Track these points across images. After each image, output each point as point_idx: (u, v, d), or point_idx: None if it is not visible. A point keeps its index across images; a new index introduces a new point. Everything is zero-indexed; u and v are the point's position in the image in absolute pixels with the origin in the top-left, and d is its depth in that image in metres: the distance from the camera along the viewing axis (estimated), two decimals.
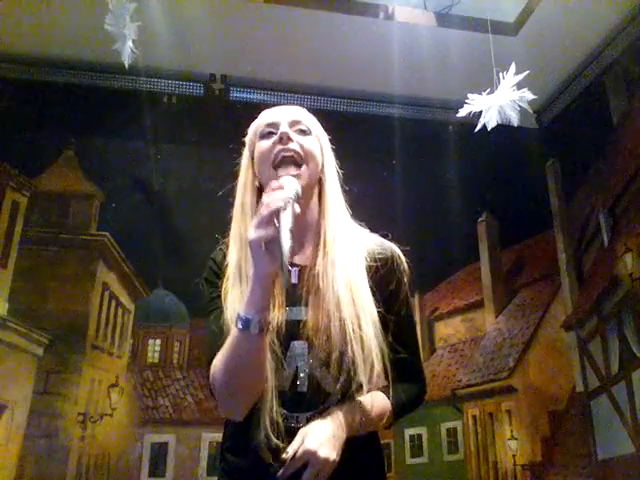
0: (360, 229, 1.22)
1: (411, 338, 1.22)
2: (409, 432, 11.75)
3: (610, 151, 6.69)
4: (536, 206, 7.75)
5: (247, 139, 1.31)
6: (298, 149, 1.15)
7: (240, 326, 1.03)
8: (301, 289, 1.10)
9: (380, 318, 1.12)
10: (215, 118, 5.64)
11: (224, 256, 1.22)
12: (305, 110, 1.30)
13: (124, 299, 12.42)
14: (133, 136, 6.35)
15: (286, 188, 1.03)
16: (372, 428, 1.15)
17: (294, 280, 1.11)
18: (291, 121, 1.20)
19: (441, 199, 7.53)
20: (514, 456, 9.63)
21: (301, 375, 1.08)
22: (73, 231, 10.16)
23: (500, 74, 3.45)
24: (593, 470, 7.20)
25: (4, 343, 7.61)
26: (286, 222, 0.95)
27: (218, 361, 1.09)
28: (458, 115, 3.50)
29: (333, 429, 1.04)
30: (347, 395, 1.10)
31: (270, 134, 1.19)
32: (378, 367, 1.10)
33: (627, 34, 4.99)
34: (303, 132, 1.20)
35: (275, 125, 1.19)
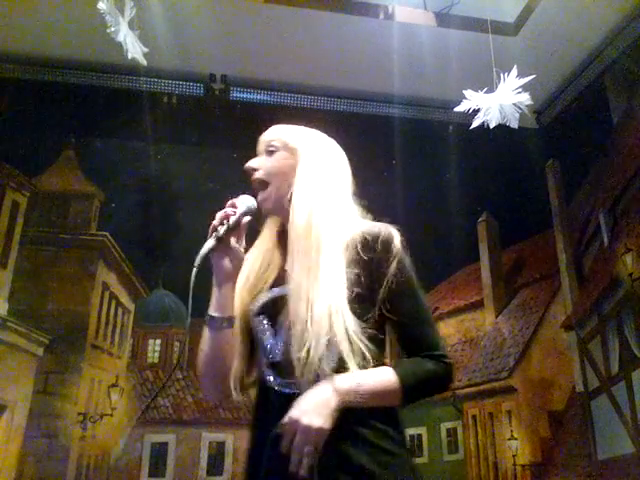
0: (355, 218, 1.31)
1: (413, 312, 1.21)
2: (409, 432, 11.76)
3: (610, 151, 6.70)
4: (536, 206, 7.75)
5: None
6: (259, 176, 1.31)
7: (207, 323, 1.26)
8: (287, 273, 1.23)
9: (358, 295, 1.18)
10: (215, 118, 5.64)
11: None
12: (284, 126, 1.43)
13: (124, 299, 12.43)
14: (133, 136, 6.35)
15: (238, 205, 1.24)
16: (376, 401, 1.12)
17: (287, 267, 1.25)
18: (265, 145, 1.36)
19: (441, 199, 7.54)
20: (514, 456, 9.65)
21: (288, 346, 1.16)
22: (73, 231, 10.17)
23: (500, 74, 3.45)
24: (593, 470, 7.20)
25: (4, 343, 7.62)
26: (218, 232, 1.18)
27: (199, 352, 1.31)
28: (456, 109, 3.50)
29: (320, 396, 1.08)
30: (337, 362, 1.14)
31: None
32: (346, 347, 1.12)
33: (627, 34, 4.99)
34: (270, 152, 1.34)
35: (256, 156, 1.37)
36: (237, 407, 14.78)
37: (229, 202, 1.25)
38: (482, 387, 10.76)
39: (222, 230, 1.18)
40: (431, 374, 1.15)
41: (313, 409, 1.06)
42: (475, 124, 3.52)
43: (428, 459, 11.72)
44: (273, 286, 1.24)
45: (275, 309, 1.20)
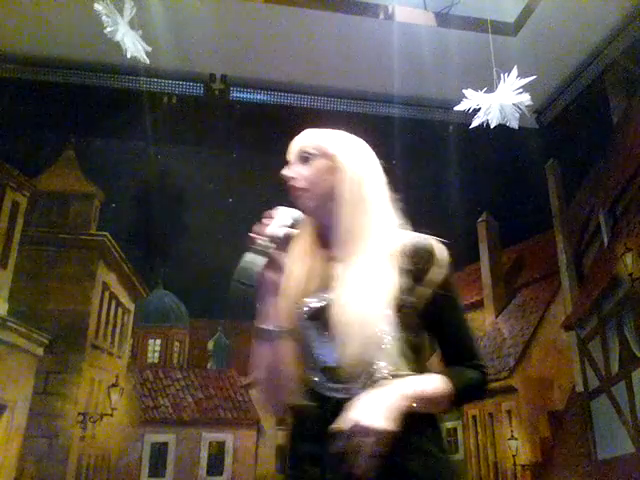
0: (398, 227, 1.33)
1: (458, 324, 1.26)
2: None
3: (610, 151, 6.70)
4: (536, 206, 7.75)
5: None
6: (299, 185, 1.31)
7: (258, 335, 1.23)
8: (336, 278, 1.25)
9: (399, 304, 1.20)
10: (215, 118, 5.64)
11: None
12: (318, 131, 1.37)
13: (124, 299, 12.42)
14: (133, 136, 6.35)
15: (280, 218, 1.23)
16: (432, 407, 1.16)
17: (333, 272, 1.26)
18: (297, 152, 1.34)
19: (441, 199, 7.54)
20: (514, 456, 9.65)
21: (336, 353, 1.18)
22: (73, 231, 10.18)
23: (500, 74, 3.45)
24: (593, 470, 7.20)
25: (4, 343, 7.61)
26: (263, 245, 1.17)
27: (254, 365, 1.28)
28: (456, 108, 3.50)
29: (383, 398, 1.09)
30: (363, 375, 1.18)
31: None
32: (391, 355, 1.16)
33: (627, 34, 4.99)
34: (304, 160, 1.33)
35: (289, 163, 1.35)
36: (237, 407, 14.77)
37: (270, 214, 1.24)
38: None
39: (271, 246, 1.18)
40: (474, 382, 1.21)
41: (377, 411, 1.06)
42: (475, 123, 3.52)
43: None
44: (318, 291, 1.24)
45: (322, 315, 1.21)
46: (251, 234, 1.18)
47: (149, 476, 12.78)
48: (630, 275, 5.90)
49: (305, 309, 1.23)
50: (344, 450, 1.05)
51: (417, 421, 1.13)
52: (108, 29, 3.08)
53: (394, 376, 1.14)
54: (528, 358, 10.60)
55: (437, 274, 1.23)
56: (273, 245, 1.17)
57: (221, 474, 13.38)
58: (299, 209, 1.27)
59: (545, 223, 7.63)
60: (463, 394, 1.18)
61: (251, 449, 14.23)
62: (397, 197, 1.38)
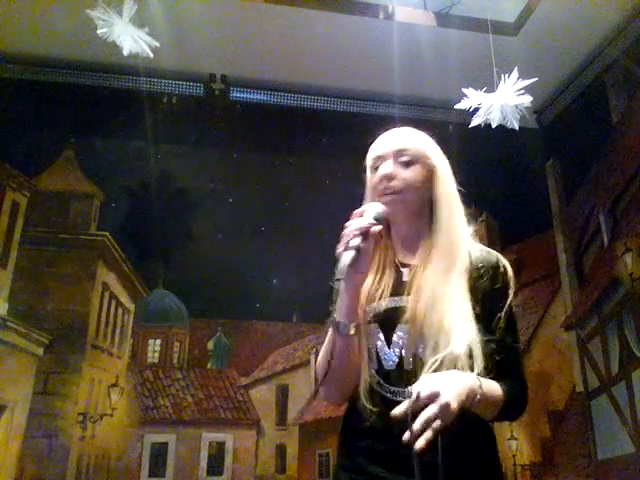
0: (471, 240, 1.37)
1: (512, 342, 1.28)
2: None
3: (610, 151, 6.69)
4: (536, 206, 7.74)
5: (366, 165, 1.44)
6: (398, 186, 1.30)
7: (335, 328, 1.23)
8: (408, 284, 1.27)
9: (476, 316, 1.22)
10: (215, 118, 5.63)
11: None
12: (413, 132, 1.43)
13: (124, 299, 12.43)
14: (133, 136, 6.35)
15: (366, 214, 1.22)
16: (483, 410, 1.17)
17: (405, 278, 1.28)
18: (396, 151, 1.34)
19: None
20: (514, 456, 9.63)
21: (407, 355, 1.20)
22: (73, 231, 10.15)
23: (501, 74, 3.45)
24: (593, 470, 7.19)
25: (4, 343, 7.60)
26: (354, 242, 1.16)
27: (320, 356, 1.29)
28: (456, 106, 3.50)
29: (456, 381, 1.10)
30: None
31: (378, 168, 1.35)
32: (463, 360, 1.17)
33: (627, 34, 4.98)
34: (407, 164, 1.33)
35: (382, 158, 1.34)
36: (237, 407, 14.76)
37: (357, 211, 1.24)
38: None
39: (360, 241, 1.17)
40: (522, 400, 1.25)
41: (452, 389, 1.06)
42: (474, 123, 3.52)
43: None
44: (391, 294, 1.25)
45: (394, 318, 1.22)
46: (346, 230, 1.17)
47: (149, 476, 12.74)
48: (630, 275, 5.90)
49: (374, 310, 1.24)
50: (407, 414, 1.03)
51: (475, 424, 1.17)
52: (100, 30, 3.08)
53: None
54: (528, 358, 10.59)
55: (507, 295, 1.28)
56: (360, 239, 1.17)
57: (221, 474, 13.35)
58: (391, 212, 1.28)
59: (545, 223, 7.62)
60: (510, 405, 1.21)
61: (251, 449, 14.20)
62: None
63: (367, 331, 1.25)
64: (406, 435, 1.03)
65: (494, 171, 6.51)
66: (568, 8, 4.65)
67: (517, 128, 3.53)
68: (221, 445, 13.61)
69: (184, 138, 6.37)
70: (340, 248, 1.16)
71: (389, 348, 1.23)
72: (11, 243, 7.89)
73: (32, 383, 8.50)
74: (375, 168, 1.35)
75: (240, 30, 4.94)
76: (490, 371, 1.22)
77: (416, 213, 1.32)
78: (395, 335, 1.22)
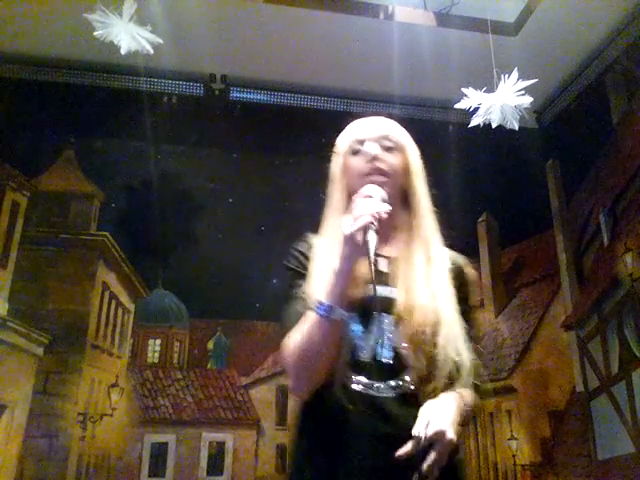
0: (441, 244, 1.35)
1: (476, 344, 1.26)
2: None
3: (610, 151, 6.69)
4: (536, 206, 7.74)
5: (339, 149, 1.39)
6: (384, 167, 1.27)
7: (320, 312, 1.12)
8: (391, 275, 1.22)
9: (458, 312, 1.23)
10: (215, 118, 5.63)
11: (309, 248, 1.32)
12: (393, 122, 1.37)
13: (124, 299, 12.43)
14: (133, 136, 6.35)
15: (374, 195, 1.17)
16: (464, 423, 1.16)
17: (383, 268, 1.22)
18: (379, 136, 1.31)
19: (441, 199, 7.53)
20: (514, 456, 9.63)
21: (386, 347, 1.14)
22: (73, 231, 10.15)
23: (500, 74, 3.45)
24: (593, 470, 7.19)
25: (4, 343, 7.60)
26: (375, 224, 1.12)
27: (293, 342, 1.18)
28: (456, 106, 3.50)
29: (453, 412, 1.08)
30: (428, 374, 1.14)
31: (359, 152, 1.31)
32: (468, 362, 1.16)
33: (627, 34, 4.98)
34: (389, 149, 1.30)
35: (364, 142, 1.30)
36: (237, 407, 14.76)
37: (364, 192, 1.18)
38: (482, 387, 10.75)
39: (376, 225, 1.11)
40: (476, 403, 1.22)
41: (452, 423, 1.05)
42: (474, 122, 3.52)
43: None
44: (371, 283, 1.17)
45: (372, 308, 1.16)
46: (361, 211, 1.12)
47: (149, 476, 12.75)
48: (630, 275, 5.90)
49: (351, 298, 1.16)
50: (412, 455, 1.01)
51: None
52: (98, 32, 3.08)
53: (452, 383, 1.13)
54: (528, 358, 10.60)
55: (472, 298, 1.27)
56: (376, 223, 1.11)
57: (221, 474, 13.37)
58: None
59: (545, 223, 7.62)
60: (473, 417, 1.22)
61: (251, 449, 14.21)
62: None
63: (350, 318, 1.18)
64: (415, 477, 1.01)
65: (494, 171, 6.50)
66: (568, 8, 4.65)
67: (517, 128, 3.53)
68: (221, 445, 13.61)
69: (184, 138, 6.37)
70: (353, 228, 1.10)
71: (365, 338, 1.17)
72: (11, 243, 7.89)
73: (32, 383, 8.51)
74: (355, 152, 1.31)
75: (240, 30, 4.94)
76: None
77: (394, 202, 1.27)
78: (375, 325, 1.16)
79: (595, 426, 7.05)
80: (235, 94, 5.58)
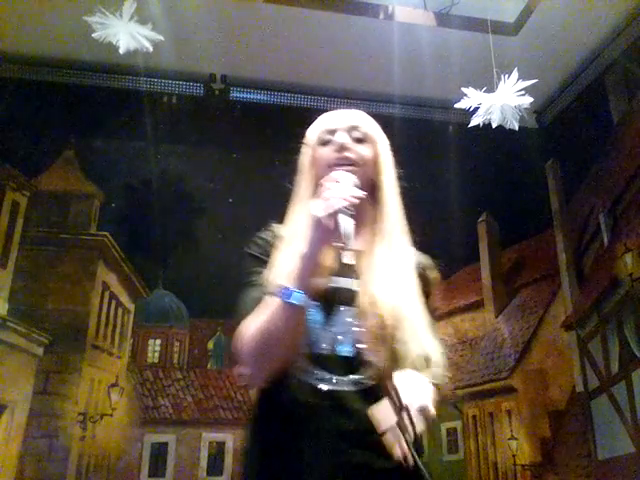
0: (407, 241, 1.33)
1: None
2: None
3: (610, 151, 6.69)
4: (536, 206, 7.74)
5: (307, 140, 1.37)
6: (353, 157, 1.24)
7: (284, 297, 1.07)
8: (355, 267, 1.18)
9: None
10: (215, 118, 5.63)
11: (273, 236, 1.29)
12: (363, 114, 1.35)
13: (124, 299, 12.43)
14: (133, 136, 6.35)
15: (345, 180, 1.13)
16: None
17: (347, 260, 1.19)
18: (349, 127, 1.28)
19: (441, 199, 7.53)
20: (514, 456, 9.63)
21: (346, 341, 1.11)
22: (73, 231, 10.15)
23: (500, 74, 3.45)
24: (593, 470, 7.19)
25: (4, 343, 7.60)
26: (349, 208, 1.07)
27: (251, 327, 1.13)
28: (456, 106, 3.50)
29: (428, 387, 1.07)
30: (389, 370, 1.11)
31: (329, 142, 1.28)
32: (437, 356, 1.14)
33: (627, 34, 4.98)
34: (359, 140, 1.28)
35: (333, 132, 1.28)
36: (237, 407, 14.77)
37: (334, 177, 1.14)
38: (482, 387, 10.75)
39: (351, 208, 1.07)
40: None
41: (432, 399, 1.04)
42: (474, 122, 3.52)
43: (428, 459, 11.70)
44: (334, 275, 1.15)
45: (334, 300, 1.12)
46: (333, 194, 1.08)
47: (149, 476, 12.75)
48: (630, 275, 5.89)
49: (319, 288, 1.11)
50: (392, 428, 0.98)
51: None
52: (96, 34, 3.09)
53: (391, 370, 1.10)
54: (528, 358, 10.60)
55: (433, 298, 1.26)
56: (351, 208, 1.07)
57: (221, 474, 13.36)
58: None
59: (545, 223, 7.62)
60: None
61: None
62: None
63: (313, 307, 1.13)
64: (398, 452, 0.98)
65: (494, 171, 6.50)
66: (568, 8, 4.65)
67: (517, 128, 3.54)
68: (221, 445, 13.61)
69: (184, 138, 6.37)
70: (324, 211, 1.05)
71: (326, 330, 1.12)
72: (11, 243, 7.89)
73: (32, 383, 8.51)
74: (324, 142, 1.28)
75: (240, 30, 4.94)
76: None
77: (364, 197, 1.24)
78: (337, 317, 1.12)
79: (595, 426, 7.05)
80: (235, 94, 5.58)
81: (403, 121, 5.67)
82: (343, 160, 1.23)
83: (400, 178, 1.34)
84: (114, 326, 11.69)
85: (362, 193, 1.11)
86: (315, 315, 1.13)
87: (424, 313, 1.17)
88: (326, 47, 5.11)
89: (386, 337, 1.09)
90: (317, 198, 1.12)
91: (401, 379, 1.04)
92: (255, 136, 6.03)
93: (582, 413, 7.59)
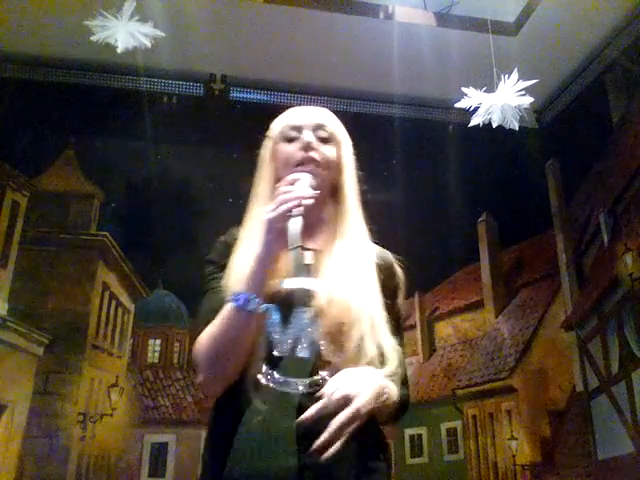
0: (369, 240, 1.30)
1: (398, 341, 1.20)
2: (409, 432, 11.75)
3: (610, 151, 6.69)
4: (536, 206, 7.74)
5: (270, 134, 1.36)
6: (317, 157, 1.22)
7: (237, 303, 1.07)
8: (313, 267, 1.17)
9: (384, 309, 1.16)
10: (215, 118, 5.63)
11: (232, 240, 1.27)
12: (329, 112, 1.33)
13: (124, 299, 12.43)
14: (133, 136, 6.35)
15: (300, 181, 1.12)
16: (384, 412, 1.10)
17: (308, 261, 1.17)
18: (314, 125, 1.26)
19: (441, 199, 7.54)
20: (514, 456, 9.64)
21: (304, 342, 1.08)
22: (73, 231, 10.15)
23: (500, 74, 3.45)
24: (593, 470, 7.19)
25: (4, 343, 7.60)
26: (298, 210, 1.07)
27: (206, 334, 1.13)
28: (456, 105, 3.50)
29: (367, 383, 1.03)
30: (347, 368, 1.08)
31: (293, 139, 1.26)
32: (392, 353, 1.12)
33: (627, 34, 4.99)
34: (324, 140, 1.26)
35: (299, 129, 1.26)
36: None
37: (290, 179, 1.14)
38: (482, 387, 10.76)
39: (301, 209, 1.07)
40: (405, 402, 1.17)
41: (365, 393, 1.00)
42: (474, 122, 3.52)
43: (428, 459, 11.71)
44: (292, 275, 1.12)
45: (292, 301, 1.10)
46: (285, 197, 1.08)
47: (149, 476, 12.75)
48: (630, 275, 5.89)
49: (270, 290, 1.10)
50: (315, 420, 0.95)
51: (372, 428, 1.07)
52: (95, 37, 3.09)
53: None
54: (528, 358, 10.60)
55: (399, 294, 1.22)
56: (299, 209, 1.07)
57: None
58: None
59: (545, 223, 7.62)
60: (400, 409, 1.15)
61: None
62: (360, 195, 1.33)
63: (270, 310, 1.11)
64: (317, 443, 0.94)
65: (494, 171, 6.50)
66: (568, 8, 4.66)
67: (517, 128, 3.54)
68: None
69: (184, 138, 6.37)
70: (274, 214, 1.06)
71: (283, 332, 1.09)
72: (11, 243, 7.89)
73: (32, 383, 8.51)
74: (289, 139, 1.26)
75: (240, 30, 4.94)
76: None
77: (323, 194, 1.22)
78: (294, 319, 1.09)
79: (595, 426, 7.05)
80: (235, 94, 5.58)
81: (403, 121, 5.67)
82: (307, 160, 1.21)
83: (360, 180, 1.32)
84: (114, 326, 11.68)
85: (315, 193, 1.10)
86: (273, 317, 1.11)
87: (383, 311, 1.14)
88: (326, 47, 5.11)
89: (342, 337, 1.07)
90: (272, 201, 1.11)
91: (342, 373, 1.02)
92: (255, 136, 6.03)
93: (582, 413, 7.59)
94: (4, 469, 7.36)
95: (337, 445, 0.94)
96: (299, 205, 1.07)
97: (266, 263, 1.09)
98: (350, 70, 5.39)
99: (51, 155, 7.26)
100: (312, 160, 1.21)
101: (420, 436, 11.97)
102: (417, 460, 11.55)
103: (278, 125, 1.34)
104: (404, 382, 1.19)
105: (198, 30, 4.77)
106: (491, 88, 3.51)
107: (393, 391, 1.10)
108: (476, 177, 6.53)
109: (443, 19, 4.77)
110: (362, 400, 0.98)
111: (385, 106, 5.67)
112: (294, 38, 5.02)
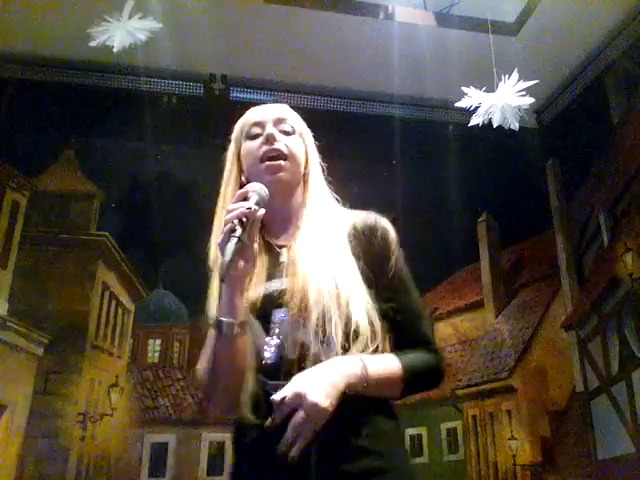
0: (345, 210, 1.28)
1: (407, 302, 1.19)
2: (409, 432, 11.75)
3: (610, 151, 6.69)
4: (536, 206, 7.74)
5: (233, 136, 1.35)
6: (283, 149, 1.21)
7: (217, 330, 1.08)
8: (287, 264, 1.16)
9: (367, 282, 1.13)
10: (215, 118, 5.63)
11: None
12: (289, 108, 1.32)
13: (124, 299, 12.41)
14: (133, 136, 6.35)
15: (251, 194, 1.10)
16: (381, 390, 1.09)
17: (283, 259, 1.17)
18: (276, 119, 1.26)
19: (441, 199, 7.55)
20: (514, 456, 9.64)
21: (288, 344, 1.08)
22: (73, 231, 10.16)
23: (501, 74, 3.45)
24: (593, 470, 7.20)
25: (4, 343, 7.60)
26: (236, 232, 1.04)
27: (201, 363, 1.16)
28: (457, 105, 3.50)
29: (327, 375, 1.02)
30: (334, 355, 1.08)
31: (257, 135, 1.26)
32: (365, 327, 1.08)
33: (627, 34, 4.99)
34: (287, 132, 1.25)
35: (261, 124, 1.26)
36: None
37: (240, 194, 1.11)
38: (482, 387, 10.75)
39: (240, 231, 1.04)
40: (430, 367, 1.14)
41: (319, 386, 1.00)
42: (474, 121, 3.52)
43: (428, 459, 11.72)
44: (267, 279, 1.14)
45: (271, 304, 1.10)
46: (228, 216, 1.05)
47: (149, 476, 12.76)
48: (630, 275, 5.89)
49: (257, 298, 1.10)
50: (276, 423, 0.96)
51: (368, 403, 1.07)
52: (93, 43, 3.10)
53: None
54: (528, 358, 10.60)
55: (390, 254, 1.18)
56: (240, 229, 1.04)
57: (221, 474, 13.38)
58: (276, 181, 1.17)
59: (545, 223, 7.62)
60: (415, 379, 1.12)
61: None
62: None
63: (254, 322, 1.11)
64: (281, 446, 0.96)
65: (494, 171, 6.51)
66: (568, 8, 4.66)
67: (517, 129, 3.54)
68: (221, 445, 13.61)
69: (184, 138, 6.37)
70: (220, 237, 1.05)
71: (269, 339, 1.10)
72: (11, 243, 7.89)
73: (32, 383, 8.51)
74: (252, 136, 1.26)
75: (240, 30, 4.94)
76: (395, 339, 1.14)
77: (293, 188, 1.22)
78: (275, 321, 1.10)
79: (595, 426, 7.05)
80: (235, 94, 5.58)
81: (403, 121, 5.67)
82: (273, 152, 1.20)
83: (324, 171, 1.30)
84: (114, 326, 11.69)
85: (256, 208, 1.08)
86: (255, 328, 1.11)
87: (365, 293, 1.12)
88: (326, 47, 5.11)
89: (320, 331, 1.06)
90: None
91: (295, 377, 1.02)
92: None
93: (582, 413, 7.59)
94: (4, 469, 7.36)
95: (299, 445, 0.96)
96: (242, 223, 1.04)
97: (232, 288, 1.08)
98: (350, 70, 5.39)
99: (51, 155, 7.26)
100: (276, 152, 1.20)
101: (420, 436, 11.98)
102: (417, 460, 11.56)
103: (240, 125, 1.34)
104: (423, 343, 1.16)
105: (198, 30, 4.77)
106: (491, 88, 3.51)
107: (382, 369, 1.08)
108: (476, 177, 6.53)
109: (443, 19, 4.77)
110: (315, 396, 0.98)
111: (385, 106, 5.68)
112: (294, 38, 5.02)
